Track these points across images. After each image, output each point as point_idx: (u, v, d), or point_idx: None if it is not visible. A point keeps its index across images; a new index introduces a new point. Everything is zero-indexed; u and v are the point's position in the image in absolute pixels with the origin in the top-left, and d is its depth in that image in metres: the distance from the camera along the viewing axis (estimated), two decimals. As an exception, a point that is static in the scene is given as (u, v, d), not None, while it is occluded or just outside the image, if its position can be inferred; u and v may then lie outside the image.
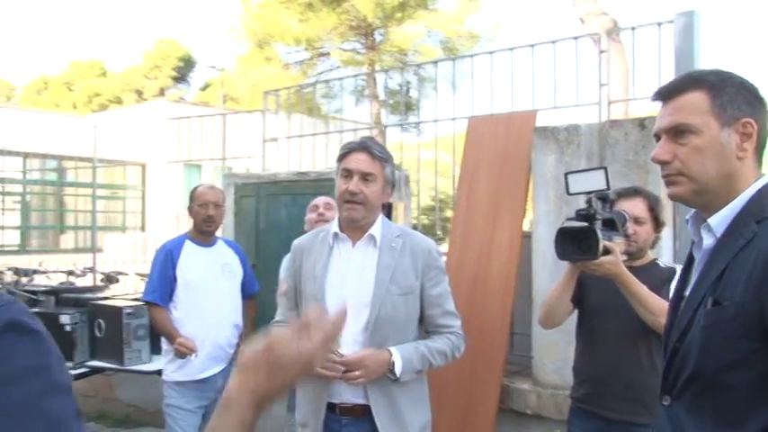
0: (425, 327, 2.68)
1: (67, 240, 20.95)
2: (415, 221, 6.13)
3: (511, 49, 5.11)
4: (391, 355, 2.48)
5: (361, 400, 2.54)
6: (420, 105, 17.24)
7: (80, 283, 8.56)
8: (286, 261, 3.42)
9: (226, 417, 1.04)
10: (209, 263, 3.97)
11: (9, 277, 9.28)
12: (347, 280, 2.60)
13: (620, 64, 6.68)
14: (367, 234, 2.62)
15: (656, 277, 2.66)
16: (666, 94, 1.60)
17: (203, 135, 7.45)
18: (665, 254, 3.92)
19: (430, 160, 6.98)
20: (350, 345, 2.53)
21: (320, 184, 4.94)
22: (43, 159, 21.81)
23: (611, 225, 2.49)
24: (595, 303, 2.81)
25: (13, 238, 23.87)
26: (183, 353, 3.77)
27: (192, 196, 4.00)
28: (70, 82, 42.05)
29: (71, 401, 0.84)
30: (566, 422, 2.98)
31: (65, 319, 5.05)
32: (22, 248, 22.44)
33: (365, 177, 2.55)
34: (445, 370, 4.23)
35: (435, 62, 6.61)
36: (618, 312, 2.63)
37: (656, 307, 2.41)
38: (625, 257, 2.54)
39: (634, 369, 2.65)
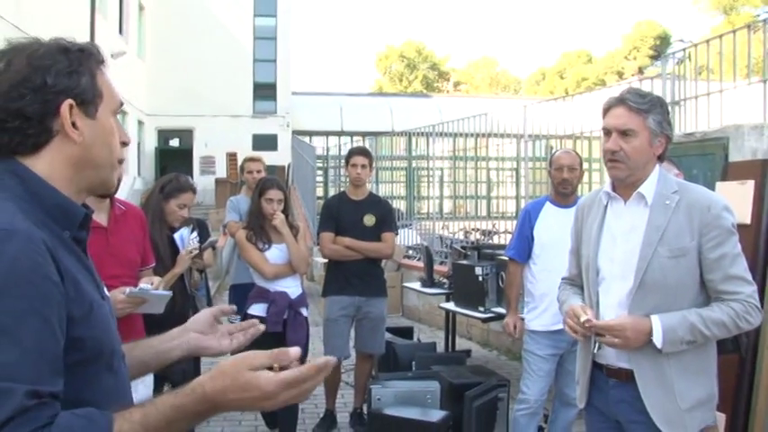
0: (709, 293, 2.15)
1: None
2: None
3: None
4: (651, 323, 2.08)
5: (624, 365, 2.20)
6: None
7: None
8: None
9: (175, 398, 1.05)
10: (565, 223, 3.79)
11: (474, 236, 10.30)
12: (618, 241, 2.27)
13: None
14: (636, 192, 2.22)
15: None
16: None
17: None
18: None
19: None
20: (614, 310, 2.21)
21: (705, 145, 4.26)
22: (534, 140, 23.02)
23: None
24: None
25: (511, 206, 26.11)
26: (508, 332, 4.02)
27: (550, 161, 3.93)
28: (562, 71, 43.68)
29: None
30: None
31: (478, 270, 5.40)
32: (516, 216, 24.34)
33: (623, 133, 2.16)
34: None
35: None
36: None
37: None
38: None
39: None
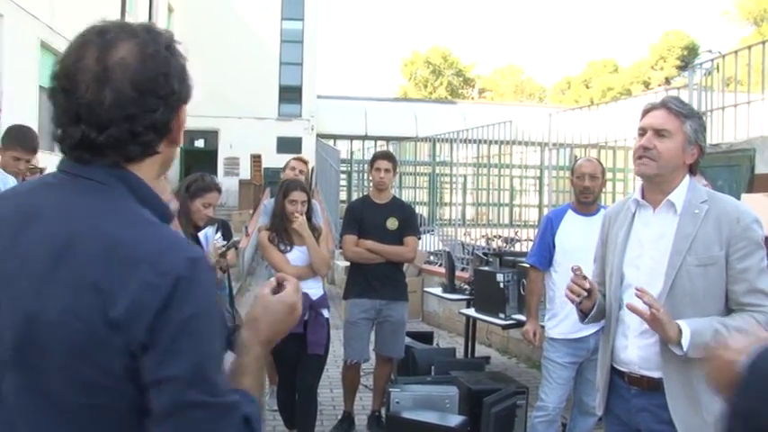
0: (729, 305, 2.14)
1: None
2: None
3: None
4: (679, 325, 2.06)
5: (651, 373, 2.20)
6: None
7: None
8: None
9: (245, 356, 1.16)
10: (587, 231, 3.82)
11: (495, 243, 10.27)
12: (645, 249, 2.27)
13: None
14: (665, 200, 2.22)
15: None
16: None
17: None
18: None
19: None
20: (638, 317, 2.20)
21: (731, 156, 4.23)
22: (558, 148, 22.95)
23: None
24: None
25: (534, 214, 25.98)
26: (527, 339, 4.08)
27: (572, 169, 3.93)
28: (588, 80, 43.43)
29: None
30: None
31: (499, 277, 5.39)
32: (538, 224, 24.19)
33: (659, 133, 2.17)
34: None
35: None
36: None
37: None
38: None
39: None
